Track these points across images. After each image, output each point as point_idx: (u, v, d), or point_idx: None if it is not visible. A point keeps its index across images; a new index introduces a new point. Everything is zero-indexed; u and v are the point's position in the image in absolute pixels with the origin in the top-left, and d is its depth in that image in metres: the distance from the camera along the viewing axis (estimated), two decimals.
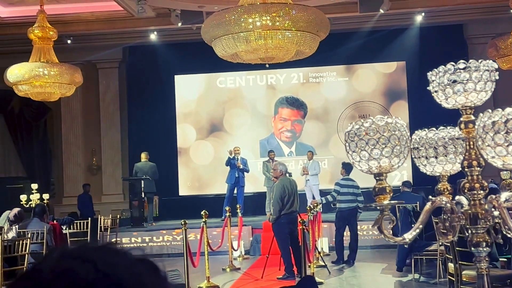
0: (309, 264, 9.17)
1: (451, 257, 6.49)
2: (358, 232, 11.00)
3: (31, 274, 0.80)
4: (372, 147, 2.06)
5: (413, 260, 8.74)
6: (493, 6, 14.14)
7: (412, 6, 14.08)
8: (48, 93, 11.14)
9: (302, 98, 16.17)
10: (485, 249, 2.19)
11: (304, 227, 8.52)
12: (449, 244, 6.55)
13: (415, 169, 13.47)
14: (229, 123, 16.28)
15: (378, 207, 2.14)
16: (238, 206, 11.91)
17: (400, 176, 14.36)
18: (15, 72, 10.67)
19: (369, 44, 15.17)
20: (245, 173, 14.03)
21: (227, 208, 11.37)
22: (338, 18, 13.87)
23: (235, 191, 13.97)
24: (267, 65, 9.48)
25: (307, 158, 14.30)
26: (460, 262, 6.24)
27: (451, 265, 6.70)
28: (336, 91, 16.12)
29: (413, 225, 2.22)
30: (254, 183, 15.54)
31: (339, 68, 16.20)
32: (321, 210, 11.71)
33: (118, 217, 12.14)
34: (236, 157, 13.95)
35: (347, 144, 2.13)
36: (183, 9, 13.12)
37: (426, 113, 11.48)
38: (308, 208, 10.13)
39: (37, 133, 17.00)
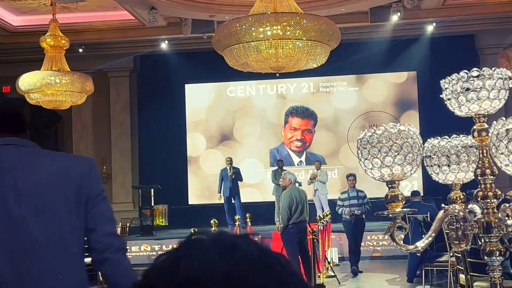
0: (319, 274, 9.13)
1: (462, 268, 6.44)
2: (368, 242, 11.03)
3: (193, 241, 0.80)
4: (385, 154, 2.05)
5: (423, 271, 8.68)
6: (505, 16, 14.11)
7: (423, 16, 14.07)
8: (60, 101, 11.20)
9: (312, 108, 16.16)
10: (498, 258, 2.17)
11: (314, 237, 8.49)
12: (460, 255, 6.50)
13: (425, 179, 13.44)
14: (239, 132, 16.29)
15: (390, 215, 2.12)
16: (237, 217, 11.54)
17: (410, 186, 14.29)
18: (27, 81, 10.74)
19: (380, 54, 15.15)
20: (239, 182, 14.08)
21: (236, 217, 11.35)
22: (349, 28, 13.87)
23: (233, 201, 14.02)
24: (277, 75, 9.48)
25: (315, 167, 14.30)
26: (471, 273, 6.19)
27: (462, 276, 6.64)
28: (346, 100, 16.10)
29: (423, 236, 2.20)
30: (264, 192, 15.52)
31: (349, 77, 16.18)
32: (330, 220, 11.67)
33: (128, 225, 12.12)
34: (227, 167, 13.97)
35: (359, 151, 2.12)
36: (194, 18, 13.17)
37: (437, 123, 11.47)
38: (318, 218, 10.11)
39: (48, 141, 17.07)
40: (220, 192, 14.06)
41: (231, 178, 13.88)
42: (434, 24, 14.50)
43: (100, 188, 2.19)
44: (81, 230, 2.12)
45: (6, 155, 2.06)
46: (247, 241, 0.81)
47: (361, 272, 10.35)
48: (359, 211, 10.23)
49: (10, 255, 1.96)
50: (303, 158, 16.11)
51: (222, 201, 14.06)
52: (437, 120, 10.92)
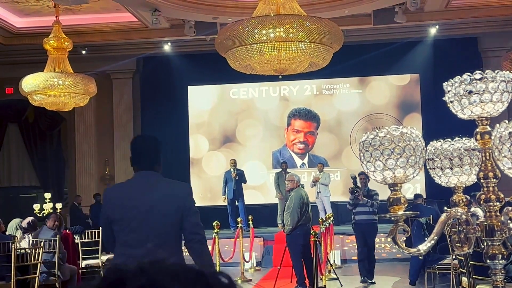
0: (321, 277, 9.12)
1: (465, 271, 6.43)
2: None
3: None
4: (387, 157, 2.04)
5: (426, 273, 8.66)
6: (508, 19, 14.10)
7: (426, 18, 14.07)
8: (63, 103, 11.21)
9: (315, 110, 16.15)
10: (501, 261, 2.16)
11: (316, 239, 8.47)
12: (463, 258, 6.49)
13: (428, 182, 13.32)
14: (241, 134, 16.29)
15: (392, 218, 2.12)
16: (239, 219, 11.47)
17: (413, 189, 14.27)
18: (30, 82, 10.76)
19: (382, 56, 15.15)
20: (243, 184, 14.08)
21: (239, 219, 11.36)
22: (352, 30, 13.88)
23: (237, 203, 14.01)
24: (280, 77, 9.48)
25: (317, 170, 14.31)
26: (474, 276, 6.18)
27: (464, 279, 6.64)
28: (349, 103, 16.09)
29: (426, 239, 2.19)
30: (266, 194, 15.52)
31: (352, 80, 16.18)
32: (333, 222, 11.65)
33: None
34: (231, 169, 13.98)
35: (361, 154, 2.11)
36: (197, 21, 13.19)
37: (439, 126, 11.46)
38: (320, 220, 10.07)
39: (51, 143, 17.09)
40: (224, 194, 14.07)
41: (235, 180, 13.89)
42: (437, 26, 14.49)
43: (193, 205, 3.59)
44: (179, 227, 3.46)
45: (148, 184, 3.55)
46: (156, 267, 0.84)
47: (374, 283, 9.55)
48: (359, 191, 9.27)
49: (145, 237, 3.38)
50: (305, 160, 16.10)
51: (226, 203, 14.06)
52: (440, 123, 10.91)
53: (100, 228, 3.16)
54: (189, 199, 3.59)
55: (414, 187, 14.46)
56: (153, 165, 3.63)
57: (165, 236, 3.43)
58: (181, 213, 3.46)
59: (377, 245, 12.10)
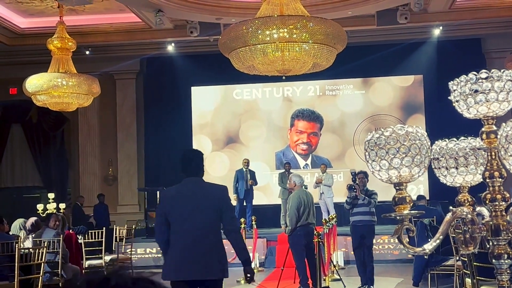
0: (324, 277, 9.11)
1: (469, 272, 6.41)
2: (374, 246, 10.80)
3: None
4: (392, 156, 2.04)
5: (429, 275, 8.65)
6: (511, 20, 14.08)
7: (430, 19, 14.05)
8: (66, 103, 11.23)
9: (318, 111, 16.15)
10: (506, 261, 2.15)
11: (319, 239, 8.46)
12: (466, 259, 6.47)
13: (432, 183, 13.23)
14: (245, 135, 16.29)
15: (397, 217, 2.11)
16: (242, 220, 11.16)
17: (416, 190, 14.25)
18: (34, 82, 10.78)
19: (386, 57, 15.14)
20: (253, 186, 14.07)
21: (242, 220, 11.35)
22: (355, 31, 13.87)
23: (245, 203, 13.99)
24: (283, 77, 9.47)
25: (320, 171, 14.29)
26: (477, 277, 6.16)
27: (468, 281, 6.62)
28: (352, 104, 16.08)
29: (429, 240, 2.18)
30: (270, 195, 15.51)
31: (355, 81, 16.17)
32: (336, 223, 11.64)
33: (134, 227, 12.13)
34: (244, 168, 13.94)
35: (366, 153, 2.11)
36: (201, 21, 13.20)
37: (443, 127, 11.44)
38: (324, 221, 10.05)
39: (54, 143, 17.12)
40: (236, 193, 13.95)
41: (247, 180, 13.85)
42: (441, 27, 14.48)
43: (230, 202, 4.77)
44: (219, 222, 4.61)
45: (195, 187, 4.69)
46: (119, 275, 0.93)
47: None
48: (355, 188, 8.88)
49: (194, 227, 4.51)
50: (309, 161, 16.09)
51: (234, 203, 13.97)
52: (443, 123, 10.90)
53: (155, 222, 4.66)
54: (227, 198, 4.72)
55: (418, 188, 14.44)
56: (199, 172, 4.74)
57: (209, 227, 4.52)
58: (221, 209, 4.58)
59: (380, 246, 12.11)
